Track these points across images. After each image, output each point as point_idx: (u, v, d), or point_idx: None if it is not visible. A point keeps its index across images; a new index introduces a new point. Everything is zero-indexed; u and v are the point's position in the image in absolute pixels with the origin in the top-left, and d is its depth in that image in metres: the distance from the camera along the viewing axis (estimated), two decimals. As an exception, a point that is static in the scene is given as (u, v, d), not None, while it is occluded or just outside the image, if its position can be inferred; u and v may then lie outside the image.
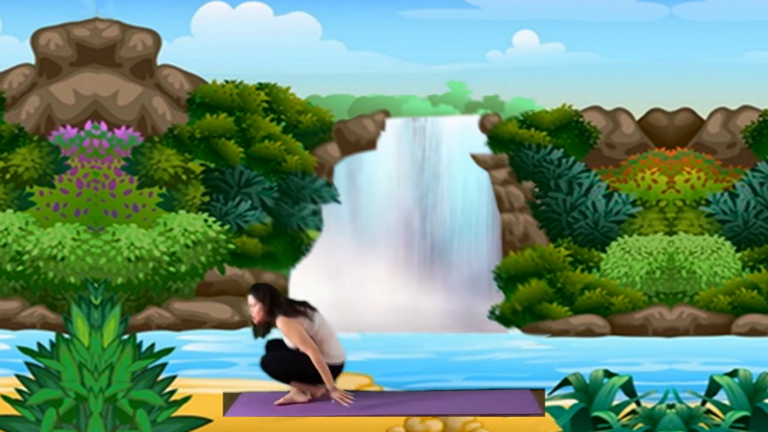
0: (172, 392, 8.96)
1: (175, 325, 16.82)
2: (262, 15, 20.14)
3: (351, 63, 19.91)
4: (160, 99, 18.21)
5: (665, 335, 16.64)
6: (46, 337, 8.98)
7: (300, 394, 9.60)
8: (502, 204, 18.42)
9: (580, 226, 17.89)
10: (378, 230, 19.19)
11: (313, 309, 9.58)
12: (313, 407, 9.62)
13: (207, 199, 17.75)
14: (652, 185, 18.00)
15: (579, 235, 17.87)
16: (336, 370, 9.49)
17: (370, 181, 19.22)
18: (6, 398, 9.01)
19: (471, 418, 9.43)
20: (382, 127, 19.10)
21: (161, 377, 8.95)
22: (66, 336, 8.89)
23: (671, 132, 18.54)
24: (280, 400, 9.64)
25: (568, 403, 9.24)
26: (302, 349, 9.41)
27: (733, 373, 9.33)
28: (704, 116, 18.61)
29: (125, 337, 8.92)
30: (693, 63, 19.53)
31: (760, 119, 18.32)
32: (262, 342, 9.65)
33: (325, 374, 9.39)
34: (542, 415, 9.29)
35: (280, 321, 9.49)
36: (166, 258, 17.01)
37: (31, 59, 18.38)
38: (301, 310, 9.53)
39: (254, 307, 9.61)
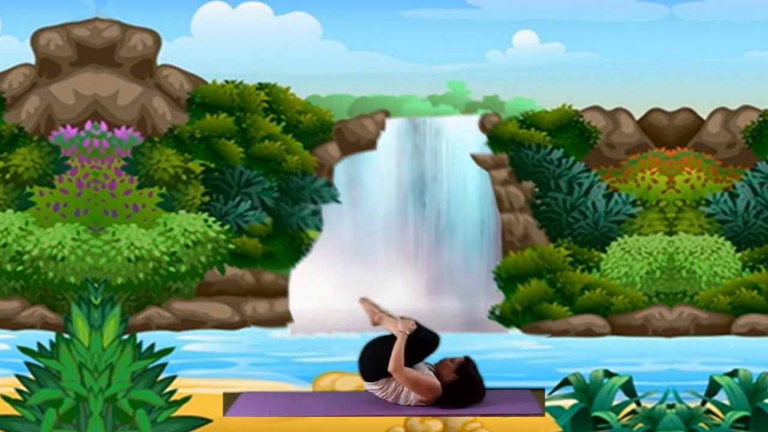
0: (172, 392, 8.97)
1: (175, 325, 16.83)
2: (262, 15, 20.12)
3: (351, 63, 19.90)
4: (160, 99, 18.21)
5: (665, 335, 16.64)
6: (46, 337, 8.99)
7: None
8: (502, 204, 18.42)
9: (580, 226, 17.89)
10: (378, 230, 19.19)
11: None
12: (313, 407, 9.62)
13: (207, 199, 17.75)
14: (652, 185, 18.01)
15: (579, 235, 17.87)
16: (374, 373, 9.24)
17: (370, 181, 19.22)
18: (6, 398, 9.02)
19: (471, 418, 9.44)
20: (382, 127, 19.10)
21: (161, 377, 8.96)
22: (66, 336, 8.89)
23: (671, 132, 18.54)
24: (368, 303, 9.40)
25: (568, 403, 9.25)
26: (414, 373, 9.08)
27: (733, 373, 9.34)
28: (704, 116, 18.61)
29: (125, 337, 8.92)
30: (693, 63, 19.52)
31: (760, 119, 18.32)
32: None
33: (397, 350, 9.07)
34: (542, 415, 9.29)
35: (439, 387, 9.14)
36: (166, 258, 17.02)
37: (31, 59, 18.38)
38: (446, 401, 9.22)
39: (450, 364, 9.23)
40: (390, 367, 9.04)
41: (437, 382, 9.14)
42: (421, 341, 9.17)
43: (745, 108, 18.54)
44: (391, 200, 19.20)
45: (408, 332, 9.06)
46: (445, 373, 9.18)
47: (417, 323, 9.20)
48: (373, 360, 9.19)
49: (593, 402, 9.15)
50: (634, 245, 17.51)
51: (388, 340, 9.12)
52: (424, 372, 9.17)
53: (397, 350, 9.03)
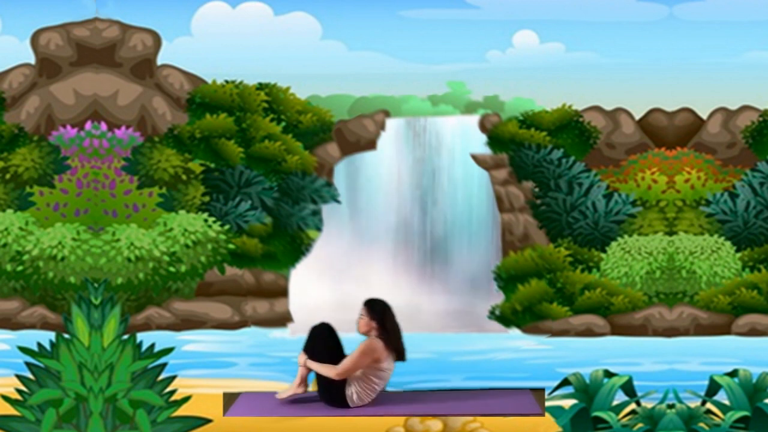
0: (172, 392, 8.97)
1: (175, 325, 16.82)
2: (262, 15, 20.13)
3: (351, 63, 19.90)
4: (160, 99, 18.21)
5: (665, 335, 16.64)
6: (46, 337, 8.99)
7: (301, 385, 9.81)
8: (502, 204, 18.42)
9: (580, 226, 17.89)
10: (378, 230, 19.20)
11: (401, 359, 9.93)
12: (313, 407, 9.63)
13: (207, 199, 17.75)
14: (652, 185, 18.01)
15: (579, 235, 17.87)
16: (341, 402, 9.65)
17: (370, 181, 19.22)
18: (6, 398, 9.02)
19: (471, 418, 9.44)
20: (382, 127, 19.10)
21: (161, 377, 8.96)
22: (66, 336, 8.89)
23: (671, 132, 18.54)
24: (283, 396, 9.84)
25: (568, 403, 9.25)
26: (348, 359, 9.64)
27: (733, 373, 9.34)
28: (704, 116, 18.61)
29: (125, 337, 8.92)
30: (693, 63, 19.52)
31: (760, 119, 18.32)
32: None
33: (322, 371, 9.70)
34: (542, 415, 9.30)
35: (373, 340, 9.71)
36: (166, 258, 17.02)
37: (31, 59, 18.39)
38: (393, 349, 9.86)
39: (362, 319, 9.89)
40: (335, 377, 9.63)
41: (370, 342, 9.75)
42: (316, 340, 9.87)
43: (745, 108, 18.53)
44: (390, 201, 19.20)
45: (303, 362, 9.84)
46: (368, 330, 9.85)
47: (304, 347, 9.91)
48: (325, 392, 9.79)
49: (593, 402, 9.15)
50: (634, 245, 17.51)
51: (318, 375, 9.82)
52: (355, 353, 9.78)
53: (320, 368, 9.73)
